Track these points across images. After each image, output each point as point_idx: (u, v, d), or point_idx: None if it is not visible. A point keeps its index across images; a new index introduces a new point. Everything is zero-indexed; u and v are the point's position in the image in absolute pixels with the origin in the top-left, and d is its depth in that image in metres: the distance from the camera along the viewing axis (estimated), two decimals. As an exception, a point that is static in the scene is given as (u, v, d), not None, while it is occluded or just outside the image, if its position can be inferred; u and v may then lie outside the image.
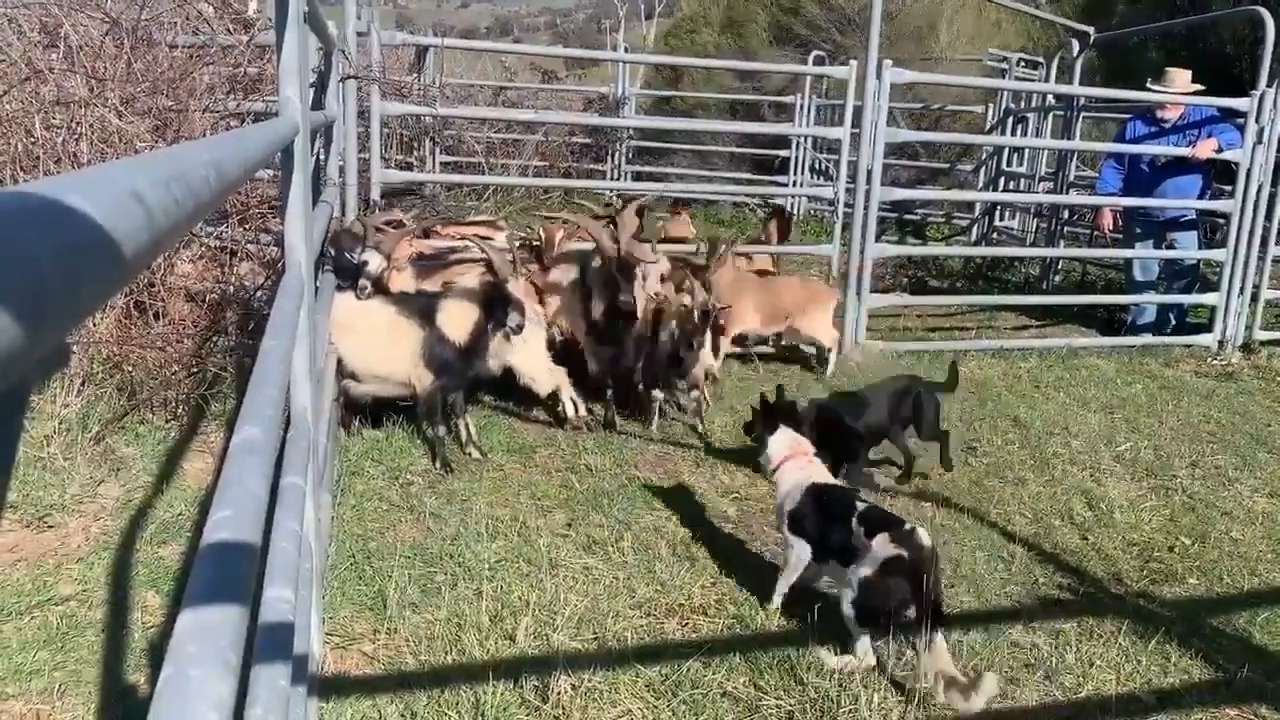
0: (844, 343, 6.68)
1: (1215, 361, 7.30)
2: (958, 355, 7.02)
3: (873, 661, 3.12)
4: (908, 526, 3.15)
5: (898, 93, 8.67)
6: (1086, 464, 5.09)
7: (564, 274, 5.52)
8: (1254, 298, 7.58)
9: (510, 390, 5.79)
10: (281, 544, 1.93)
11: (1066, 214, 10.19)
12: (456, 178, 10.57)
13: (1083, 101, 9.60)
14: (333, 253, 4.79)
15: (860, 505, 3.30)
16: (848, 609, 3.12)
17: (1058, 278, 9.93)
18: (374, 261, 4.90)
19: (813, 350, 6.72)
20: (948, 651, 3.01)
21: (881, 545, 3.10)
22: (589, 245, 5.25)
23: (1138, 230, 7.94)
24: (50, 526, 3.74)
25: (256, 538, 1.18)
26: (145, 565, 3.52)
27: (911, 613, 3.00)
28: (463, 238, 5.79)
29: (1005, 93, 11.59)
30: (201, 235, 5.22)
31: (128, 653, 3.03)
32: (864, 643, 3.13)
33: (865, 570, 3.10)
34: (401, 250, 5.33)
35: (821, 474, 3.60)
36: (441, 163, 11.46)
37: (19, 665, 2.92)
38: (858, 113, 6.67)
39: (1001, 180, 11.45)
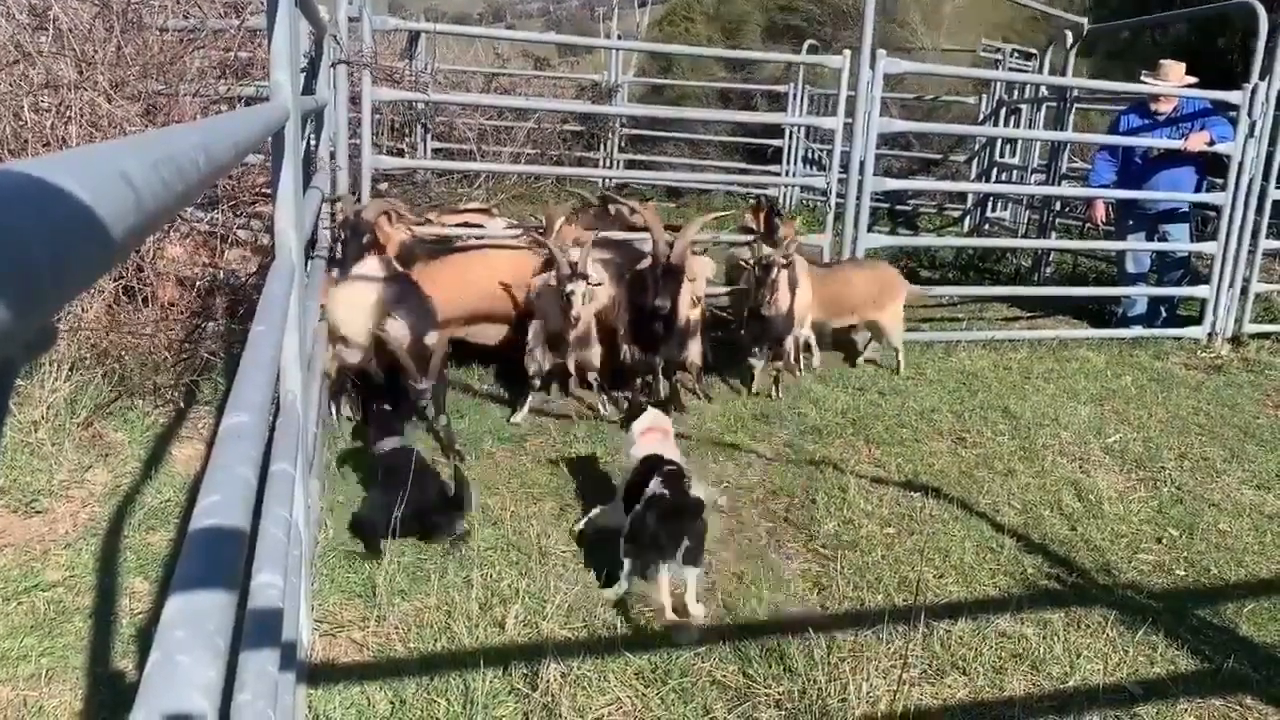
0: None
1: (1205, 354, 7.33)
2: (948, 346, 7.05)
3: (622, 589, 3.40)
4: (685, 476, 3.48)
5: (890, 83, 8.66)
6: (1076, 455, 5.11)
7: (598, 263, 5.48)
8: (1244, 291, 7.60)
9: (501, 378, 5.80)
10: (271, 530, 1.92)
11: (1058, 205, 10.20)
12: (448, 164, 10.53)
13: (1076, 93, 9.60)
14: (344, 235, 4.85)
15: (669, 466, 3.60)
16: (622, 543, 3.43)
17: (1049, 269, 9.95)
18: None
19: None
20: (668, 587, 3.29)
21: (654, 485, 3.44)
22: (624, 235, 5.31)
23: (1130, 222, 7.96)
24: (38, 512, 3.72)
25: (245, 524, 1.17)
26: (133, 551, 3.51)
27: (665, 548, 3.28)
28: (461, 224, 5.83)
29: (998, 84, 11.60)
30: (192, 220, 5.19)
31: (115, 638, 3.03)
32: (625, 570, 3.39)
33: (638, 507, 3.42)
34: (391, 235, 5.34)
35: (667, 450, 3.79)
36: (433, 149, 11.41)
37: (6, 651, 2.91)
38: (851, 103, 6.66)
39: (994, 171, 11.47)
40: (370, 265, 4.90)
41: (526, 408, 5.26)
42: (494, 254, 5.73)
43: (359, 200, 5.67)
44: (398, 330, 4.55)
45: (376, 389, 4.78)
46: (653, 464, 3.63)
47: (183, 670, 0.85)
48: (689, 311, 5.42)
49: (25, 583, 3.26)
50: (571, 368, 5.33)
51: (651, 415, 4.01)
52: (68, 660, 2.90)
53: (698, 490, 3.49)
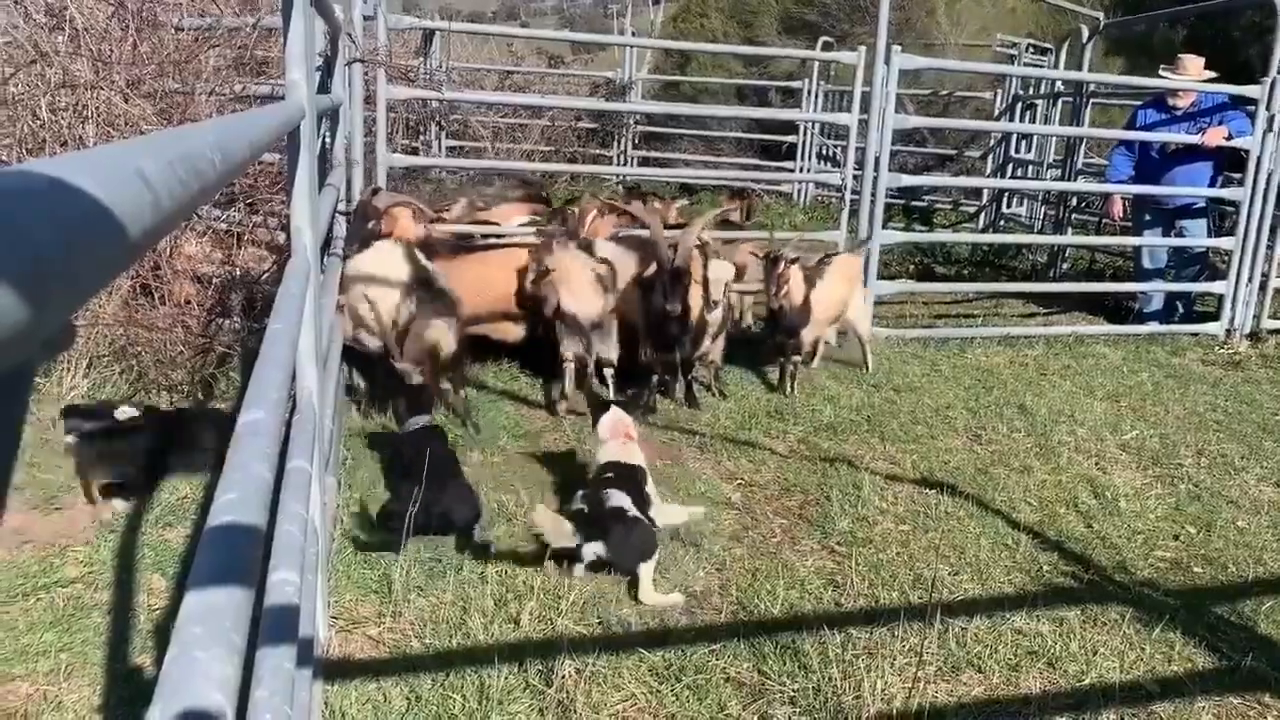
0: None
1: (1222, 350, 7.28)
2: (964, 342, 7.02)
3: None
4: (606, 490, 3.62)
5: (906, 79, 8.63)
6: (1092, 452, 5.09)
7: (621, 258, 5.49)
8: (1262, 286, 7.54)
9: (515, 375, 5.81)
10: (287, 527, 1.93)
11: (1075, 201, 10.15)
12: (462, 162, 10.56)
13: (1092, 88, 9.55)
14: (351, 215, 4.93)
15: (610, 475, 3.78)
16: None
17: (1065, 265, 9.89)
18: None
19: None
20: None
21: (577, 499, 3.75)
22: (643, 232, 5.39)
23: (1147, 218, 7.91)
24: (57, 509, 3.75)
25: (262, 521, 1.18)
26: (151, 548, 3.53)
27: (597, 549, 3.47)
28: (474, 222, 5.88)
29: (1014, 79, 11.54)
30: (208, 219, 5.22)
31: (133, 634, 3.05)
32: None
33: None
34: (405, 227, 5.36)
35: (627, 454, 3.94)
36: (447, 147, 11.44)
37: (25, 646, 2.94)
38: (866, 99, 6.63)
39: (1009, 167, 11.41)
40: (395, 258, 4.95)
41: (564, 408, 5.30)
42: (518, 252, 5.72)
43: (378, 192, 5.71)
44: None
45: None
46: (604, 471, 3.81)
47: (200, 666, 0.86)
48: (707, 310, 5.40)
49: (44, 579, 3.29)
50: (578, 361, 5.35)
51: (612, 419, 4.07)
52: (86, 656, 2.92)
53: (619, 500, 3.58)
